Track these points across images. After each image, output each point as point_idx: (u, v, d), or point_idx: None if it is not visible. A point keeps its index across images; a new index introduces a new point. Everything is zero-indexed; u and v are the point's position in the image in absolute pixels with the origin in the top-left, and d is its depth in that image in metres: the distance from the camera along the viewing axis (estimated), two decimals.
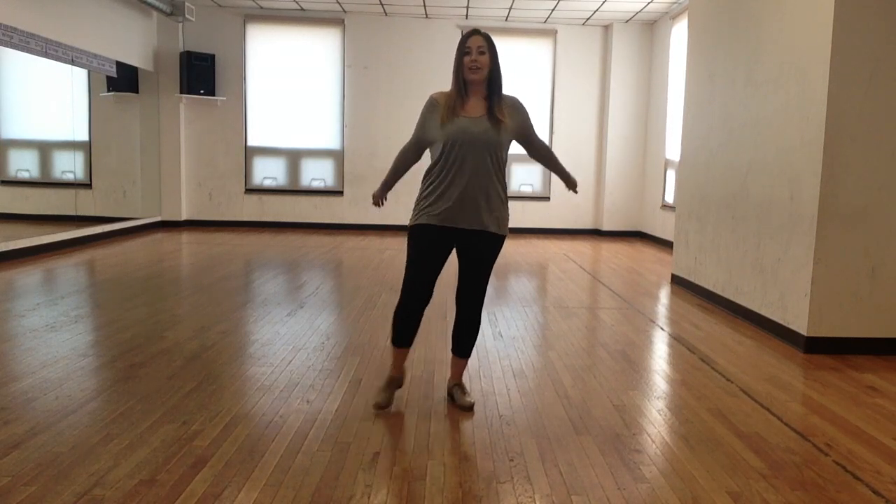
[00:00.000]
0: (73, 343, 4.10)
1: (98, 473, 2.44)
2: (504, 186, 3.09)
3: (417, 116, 3.10)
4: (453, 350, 3.28)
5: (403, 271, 3.11)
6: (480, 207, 3.00)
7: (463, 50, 2.97)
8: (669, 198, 9.76)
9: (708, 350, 4.36)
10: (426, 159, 3.20)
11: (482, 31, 3.01)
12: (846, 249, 4.25)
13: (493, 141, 2.97)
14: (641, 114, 10.69)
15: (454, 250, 3.11)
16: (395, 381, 3.24)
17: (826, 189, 4.21)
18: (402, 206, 10.97)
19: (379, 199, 3.26)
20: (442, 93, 3.07)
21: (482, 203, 3.00)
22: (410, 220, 3.09)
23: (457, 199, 2.97)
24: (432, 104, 3.05)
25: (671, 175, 9.75)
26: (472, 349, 3.28)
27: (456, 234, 3.03)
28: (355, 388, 3.42)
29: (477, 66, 2.95)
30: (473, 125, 2.96)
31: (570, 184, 3.35)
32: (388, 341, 3.28)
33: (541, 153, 3.30)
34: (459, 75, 2.99)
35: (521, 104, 3.12)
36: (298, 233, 10.26)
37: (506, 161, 3.10)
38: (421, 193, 3.08)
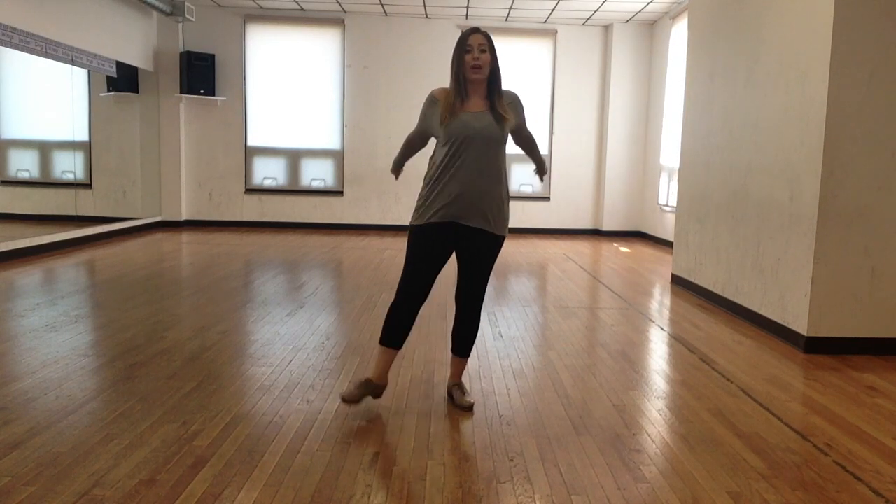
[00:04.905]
0: (73, 343, 4.10)
1: (98, 473, 2.44)
2: (506, 184, 3.08)
3: (417, 116, 3.11)
4: (453, 350, 3.28)
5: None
6: (481, 204, 2.98)
7: (464, 48, 2.94)
8: (663, 200, 9.80)
9: (708, 350, 4.36)
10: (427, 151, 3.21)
11: (482, 29, 3.00)
12: (846, 249, 4.25)
13: (495, 136, 2.96)
14: (641, 114, 10.69)
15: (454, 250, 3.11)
16: (372, 386, 3.10)
17: (826, 189, 4.21)
18: (402, 207, 11.05)
19: (395, 172, 3.42)
20: (442, 89, 3.05)
21: (483, 200, 2.98)
22: (412, 218, 3.08)
23: (457, 194, 2.95)
24: (432, 100, 3.03)
25: (664, 178, 9.78)
26: (471, 349, 3.28)
27: (456, 231, 3.01)
28: None
29: (478, 64, 2.93)
30: (475, 120, 2.94)
31: (541, 170, 3.41)
32: (378, 340, 3.16)
33: (526, 142, 3.27)
34: (460, 74, 2.96)
35: (519, 99, 3.11)
36: (298, 233, 10.26)
37: (504, 160, 3.10)
38: (423, 191, 3.06)
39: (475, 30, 2.99)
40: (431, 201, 3.00)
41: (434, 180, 3.01)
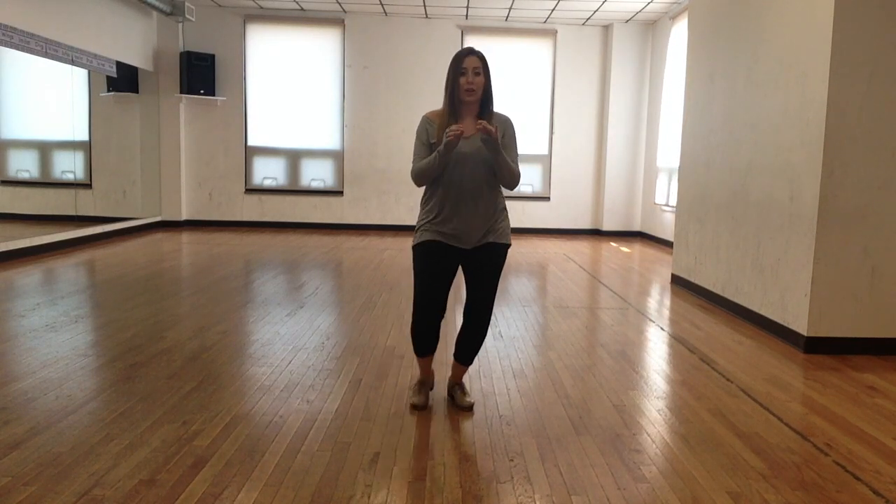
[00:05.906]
0: (73, 343, 4.10)
1: (98, 473, 2.44)
2: (502, 197, 3.10)
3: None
4: (456, 356, 3.27)
5: (410, 282, 3.13)
6: (482, 225, 3.01)
7: (458, 70, 2.95)
8: (663, 200, 9.81)
9: (708, 350, 4.36)
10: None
11: (476, 50, 3.00)
12: (846, 249, 4.25)
13: (486, 158, 2.96)
14: (641, 114, 10.69)
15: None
16: (427, 384, 3.30)
17: (826, 189, 4.21)
18: (402, 207, 11.05)
19: (454, 132, 2.81)
20: (435, 112, 3.07)
21: (483, 221, 3.01)
22: (414, 239, 3.09)
23: (459, 220, 2.97)
24: (427, 122, 3.05)
25: (664, 178, 9.78)
26: (475, 357, 3.28)
27: (462, 253, 3.03)
28: (355, 388, 3.42)
29: (472, 87, 2.94)
30: (466, 145, 2.95)
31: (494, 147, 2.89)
32: (413, 352, 3.30)
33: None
34: (455, 96, 2.96)
35: (511, 123, 3.11)
36: (298, 233, 10.26)
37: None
38: (422, 216, 3.08)
39: (470, 51, 2.99)
40: (430, 225, 3.02)
41: (431, 205, 3.03)
